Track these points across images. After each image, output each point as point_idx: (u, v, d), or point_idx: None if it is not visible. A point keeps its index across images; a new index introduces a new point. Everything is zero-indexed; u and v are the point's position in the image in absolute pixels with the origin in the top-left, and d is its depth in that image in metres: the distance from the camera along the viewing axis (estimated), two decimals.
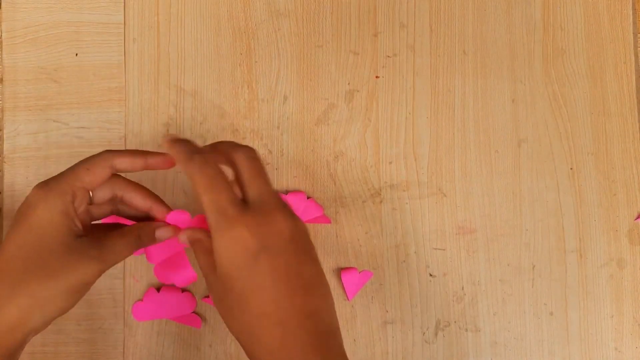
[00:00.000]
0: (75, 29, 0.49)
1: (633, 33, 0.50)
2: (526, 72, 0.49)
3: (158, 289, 0.47)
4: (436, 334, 0.47)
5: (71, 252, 0.34)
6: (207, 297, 0.47)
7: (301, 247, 0.34)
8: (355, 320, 0.47)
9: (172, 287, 0.47)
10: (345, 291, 0.47)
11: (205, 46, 0.49)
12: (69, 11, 0.49)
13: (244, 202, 0.34)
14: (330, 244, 0.48)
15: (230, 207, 0.33)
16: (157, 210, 0.39)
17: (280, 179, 0.48)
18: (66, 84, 0.48)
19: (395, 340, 0.47)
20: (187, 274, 0.44)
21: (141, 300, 0.47)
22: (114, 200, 0.39)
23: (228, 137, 0.48)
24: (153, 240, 0.39)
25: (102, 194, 0.38)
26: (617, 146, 0.49)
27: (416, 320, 0.47)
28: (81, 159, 0.48)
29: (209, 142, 0.48)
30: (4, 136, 0.48)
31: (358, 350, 0.47)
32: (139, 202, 0.39)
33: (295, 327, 0.33)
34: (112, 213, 0.40)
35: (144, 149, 0.48)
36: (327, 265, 0.48)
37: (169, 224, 0.39)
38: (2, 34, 0.49)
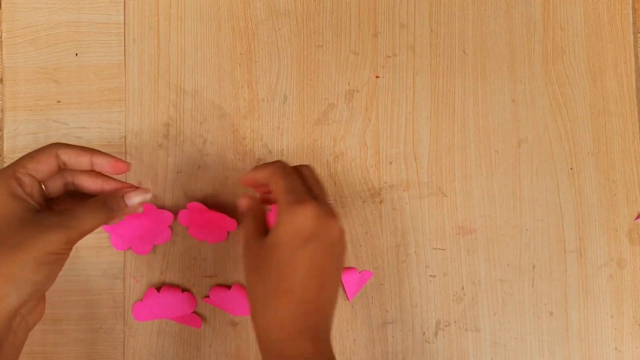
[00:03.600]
0: (75, 29, 0.49)
1: (633, 33, 0.50)
2: (526, 72, 0.49)
3: (158, 289, 0.47)
4: (436, 334, 0.47)
5: (30, 224, 0.34)
6: (208, 297, 0.47)
7: (340, 250, 0.39)
8: (356, 320, 0.47)
9: (172, 287, 0.47)
10: (345, 291, 0.47)
11: (205, 46, 0.49)
12: (69, 11, 0.49)
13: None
14: None
15: (301, 191, 0.38)
16: (108, 188, 0.40)
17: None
18: (66, 84, 0.48)
19: (396, 341, 0.47)
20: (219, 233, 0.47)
21: (141, 300, 0.47)
22: (67, 185, 0.40)
23: (228, 137, 0.48)
24: (123, 206, 0.39)
25: (54, 184, 0.39)
26: (617, 146, 0.49)
27: (416, 320, 0.47)
28: None
29: (209, 142, 0.48)
30: (4, 136, 0.48)
31: (358, 350, 0.47)
32: (90, 184, 0.40)
33: (308, 312, 0.37)
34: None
35: (144, 148, 0.48)
36: None
37: (137, 187, 0.39)
38: (2, 34, 0.49)
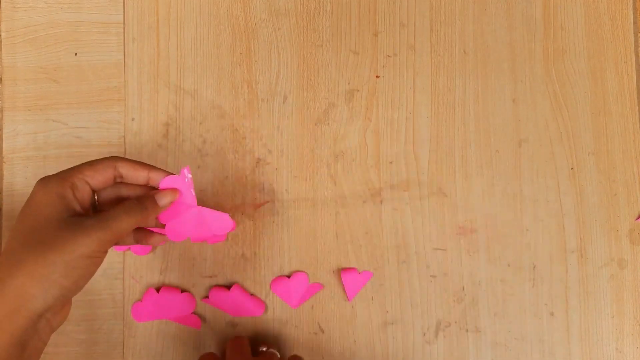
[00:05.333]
0: (74, 29, 0.49)
1: (634, 32, 0.50)
2: (527, 71, 0.49)
3: (157, 290, 0.46)
4: (437, 335, 0.47)
5: (66, 226, 0.34)
6: (207, 297, 0.47)
7: None
8: (356, 320, 0.47)
9: (172, 287, 0.47)
10: (345, 291, 0.47)
11: (205, 46, 0.49)
12: (68, 11, 0.49)
13: None
14: (330, 244, 0.48)
15: None
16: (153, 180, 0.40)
17: (280, 179, 0.48)
18: (66, 83, 0.48)
19: (396, 341, 0.47)
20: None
21: (140, 300, 0.47)
22: (119, 195, 0.40)
23: (228, 137, 0.48)
24: (155, 205, 0.39)
25: (107, 195, 0.39)
26: (618, 146, 0.49)
27: (417, 320, 0.47)
28: (80, 158, 0.48)
29: (208, 142, 0.48)
30: (4, 136, 0.48)
31: (358, 350, 0.47)
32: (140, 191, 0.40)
33: None
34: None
35: (143, 148, 0.48)
36: (327, 265, 0.47)
37: (168, 189, 0.39)
38: (2, 34, 0.49)
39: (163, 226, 0.40)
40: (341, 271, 0.47)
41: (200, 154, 0.48)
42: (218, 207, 0.47)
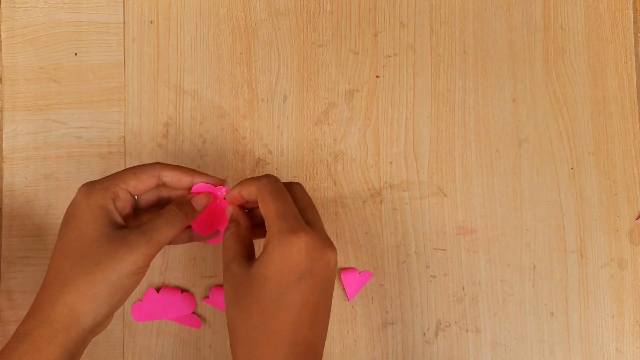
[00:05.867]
0: (74, 29, 0.49)
1: (634, 32, 0.50)
2: (527, 71, 0.49)
3: (157, 290, 0.46)
4: (437, 335, 0.47)
5: (112, 242, 0.34)
6: (207, 297, 0.47)
7: (332, 283, 0.36)
8: (356, 320, 0.47)
9: (172, 287, 0.47)
10: (345, 291, 0.47)
11: (204, 46, 0.49)
12: (68, 11, 0.49)
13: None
14: None
15: (295, 216, 0.34)
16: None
17: (280, 179, 0.48)
18: (66, 83, 0.48)
19: (396, 341, 0.47)
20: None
21: (140, 300, 0.47)
22: (161, 200, 0.40)
23: (228, 137, 0.48)
24: (194, 210, 0.39)
25: (148, 198, 0.39)
26: (618, 146, 0.49)
27: (417, 320, 0.47)
28: (80, 158, 0.48)
29: (208, 142, 0.48)
30: (4, 136, 0.48)
31: (358, 350, 0.47)
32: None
33: (298, 355, 0.33)
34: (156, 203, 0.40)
35: (143, 148, 0.48)
36: None
37: (202, 192, 0.39)
38: (2, 34, 0.49)
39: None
40: (341, 271, 0.47)
41: (200, 154, 0.48)
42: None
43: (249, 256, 0.36)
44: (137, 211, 0.39)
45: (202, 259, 0.47)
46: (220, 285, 0.47)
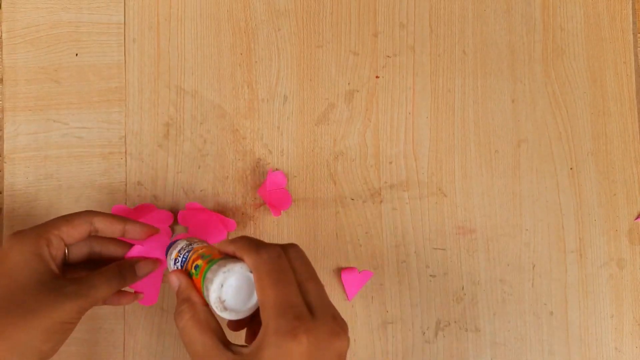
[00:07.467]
0: (75, 29, 0.49)
1: (633, 33, 0.50)
2: (526, 72, 0.49)
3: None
4: (436, 334, 0.47)
5: (47, 290, 0.34)
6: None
7: None
8: (356, 320, 0.47)
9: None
10: (345, 291, 0.47)
11: (205, 46, 0.49)
12: (69, 11, 0.49)
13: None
14: (330, 244, 0.48)
15: (296, 312, 0.29)
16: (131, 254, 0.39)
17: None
18: (66, 84, 0.48)
19: (396, 340, 0.47)
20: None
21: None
22: (91, 253, 0.39)
23: (228, 137, 0.48)
24: (134, 275, 0.39)
25: (79, 250, 0.39)
26: (617, 146, 0.49)
27: (416, 320, 0.47)
28: (81, 158, 0.48)
29: (209, 142, 0.48)
30: (4, 136, 0.48)
31: (358, 350, 0.47)
32: (118, 251, 0.40)
33: None
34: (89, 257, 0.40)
35: (144, 148, 0.48)
36: (327, 265, 0.48)
37: (148, 259, 0.40)
38: (2, 34, 0.49)
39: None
40: (341, 271, 0.47)
41: (200, 154, 0.48)
42: (218, 207, 0.47)
43: (224, 343, 0.31)
44: (68, 266, 0.39)
45: None
46: None
